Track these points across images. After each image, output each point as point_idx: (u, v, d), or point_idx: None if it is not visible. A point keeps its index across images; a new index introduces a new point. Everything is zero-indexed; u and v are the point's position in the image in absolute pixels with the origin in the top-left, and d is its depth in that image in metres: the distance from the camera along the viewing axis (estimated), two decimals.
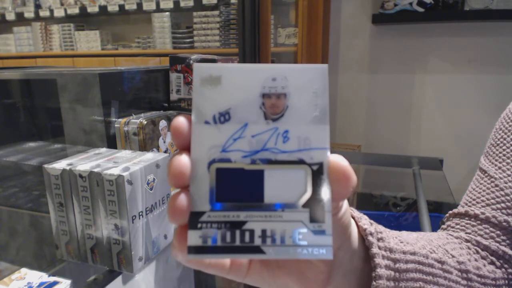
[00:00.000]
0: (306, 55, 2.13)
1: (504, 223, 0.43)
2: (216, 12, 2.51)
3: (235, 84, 0.22)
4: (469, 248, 0.42)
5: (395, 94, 2.21)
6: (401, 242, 0.32)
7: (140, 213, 0.59)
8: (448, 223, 0.47)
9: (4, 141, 0.99)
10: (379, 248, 0.29)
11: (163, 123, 0.81)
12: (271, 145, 0.22)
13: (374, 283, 0.29)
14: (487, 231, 0.43)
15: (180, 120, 0.22)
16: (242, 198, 0.22)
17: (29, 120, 1.00)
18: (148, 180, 0.60)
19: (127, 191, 0.55)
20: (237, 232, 0.21)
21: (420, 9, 1.96)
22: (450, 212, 0.48)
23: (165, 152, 0.83)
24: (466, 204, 0.47)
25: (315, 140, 0.22)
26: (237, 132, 0.22)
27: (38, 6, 3.14)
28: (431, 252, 0.34)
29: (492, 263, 0.41)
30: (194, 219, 0.21)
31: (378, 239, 0.30)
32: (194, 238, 0.21)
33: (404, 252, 0.31)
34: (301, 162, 0.22)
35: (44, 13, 3.09)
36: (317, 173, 0.22)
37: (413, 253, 0.32)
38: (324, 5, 2.09)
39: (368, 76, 2.27)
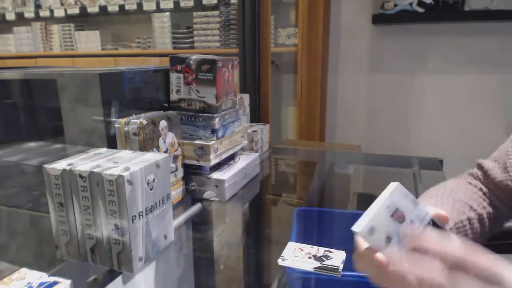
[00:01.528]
0: (306, 55, 2.13)
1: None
2: (216, 12, 2.51)
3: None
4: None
5: (395, 94, 2.21)
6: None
7: (140, 213, 0.59)
8: (470, 170, 0.68)
9: (4, 141, 0.99)
10: None
11: (163, 123, 0.81)
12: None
13: None
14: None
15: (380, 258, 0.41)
16: None
17: (29, 120, 1.00)
18: (148, 180, 0.60)
19: (127, 191, 0.56)
20: None
21: (420, 9, 1.97)
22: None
23: (165, 152, 0.83)
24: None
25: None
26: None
27: (38, 6, 3.14)
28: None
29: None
30: None
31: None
32: None
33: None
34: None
35: (44, 13, 3.09)
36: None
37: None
38: (324, 5, 2.09)
39: (368, 76, 2.27)
